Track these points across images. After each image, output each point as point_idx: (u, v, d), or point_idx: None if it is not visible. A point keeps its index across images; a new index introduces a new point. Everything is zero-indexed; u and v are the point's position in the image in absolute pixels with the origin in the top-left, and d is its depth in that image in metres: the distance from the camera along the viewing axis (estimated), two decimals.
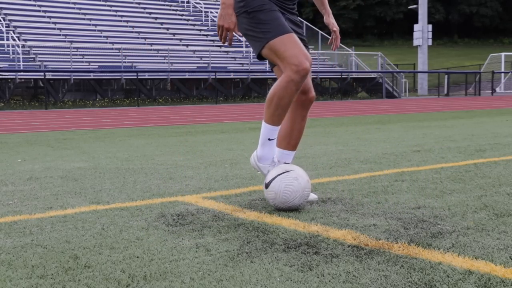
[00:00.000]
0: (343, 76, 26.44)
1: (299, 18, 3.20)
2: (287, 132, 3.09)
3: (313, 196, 3.07)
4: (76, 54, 22.13)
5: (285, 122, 3.07)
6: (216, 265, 2.00)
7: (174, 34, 27.17)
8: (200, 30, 28.29)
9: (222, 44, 28.77)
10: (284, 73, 2.82)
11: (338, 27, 3.31)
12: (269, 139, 2.96)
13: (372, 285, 1.78)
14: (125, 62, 22.49)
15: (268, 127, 2.93)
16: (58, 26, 24.66)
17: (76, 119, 12.40)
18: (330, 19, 3.33)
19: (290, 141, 3.10)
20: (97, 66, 21.73)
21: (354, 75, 27.48)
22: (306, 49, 2.99)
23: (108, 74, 21.71)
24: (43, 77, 19.79)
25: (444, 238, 2.29)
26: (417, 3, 32.40)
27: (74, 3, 26.93)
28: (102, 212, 2.87)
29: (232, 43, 3.14)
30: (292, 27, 2.98)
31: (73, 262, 2.05)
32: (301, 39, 3.00)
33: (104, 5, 27.93)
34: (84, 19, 26.04)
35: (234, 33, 2.89)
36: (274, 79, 27.00)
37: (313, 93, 3.09)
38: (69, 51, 21.32)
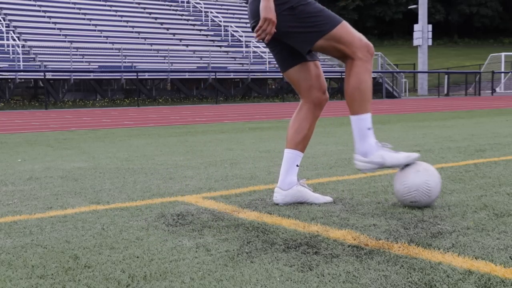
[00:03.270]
0: (343, 76, 26.44)
1: None
2: (306, 134, 3.04)
3: (327, 199, 3.03)
4: (76, 54, 22.14)
5: (304, 124, 3.03)
6: (216, 265, 2.00)
7: (174, 34, 27.17)
8: (200, 30, 28.29)
9: (222, 44, 28.80)
10: (354, 57, 2.80)
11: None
12: (368, 129, 2.85)
13: (372, 285, 1.78)
14: (125, 62, 22.49)
15: (363, 117, 2.83)
16: (58, 26, 24.67)
17: (76, 119, 12.40)
18: None
19: (304, 142, 3.05)
20: (97, 66, 21.74)
21: None
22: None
23: (108, 74, 21.72)
24: (43, 77, 19.80)
25: (444, 238, 2.29)
26: (417, 3, 32.40)
27: (74, 3, 26.94)
28: (102, 212, 2.87)
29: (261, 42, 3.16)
30: None
31: (73, 262, 2.05)
32: None
33: (104, 5, 27.93)
34: (84, 19, 26.04)
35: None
36: (274, 79, 27.06)
37: (327, 94, 3.12)
38: (69, 51, 21.33)
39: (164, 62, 23.51)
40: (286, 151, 3.04)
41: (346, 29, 2.82)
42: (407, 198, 2.82)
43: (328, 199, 3.03)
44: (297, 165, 3.03)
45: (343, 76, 26.39)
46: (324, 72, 20.23)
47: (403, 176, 2.85)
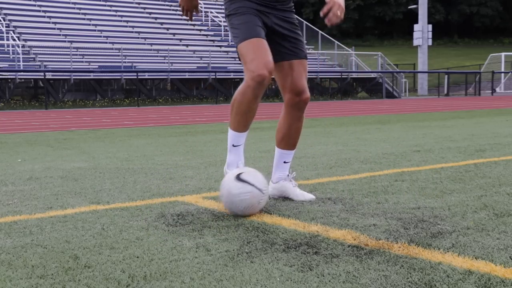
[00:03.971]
0: (343, 76, 26.45)
1: (296, 16, 3.18)
2: (284, 133, 3.10)
3: (308, 197, 3.08)
4: (76, 54, 22.13)
5: (282, 124, 3.10)
6: (216, 265, 2.00)
7: (174, 34, 27.17)
8: (200, 30, 28.30)
9: (222, 44, 28.79)
10: (244, 78, 2.85)
11: (336, 2, 2.88)
12: (233, 145, 2.97)
13: (372, 285, 1.78)
14: (125, 62, 22.49)
15: (231, 133, 2.96)
16: (58, 26, 24.66)
17: (76, 119, 12.40)
18: None
19: (289, 141, 3.11)
20: (97, 66, 21.74)
21: (354, 75, 27.49)
22: (300, 47, 3.01)
23: (108, 74, 21.71)
24: (43, 77, 19.79)
25: (444, 238, 2.29)
26: (417, 3, 32.40)
27: (74, 3, 26.93)
28: (102, 212, 2.87)
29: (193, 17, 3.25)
30: (281, 24, 2.96)
31: (73, 262, 2.05)
32: (294, 37, 3.00)
33: (104, 5, 27.93)
34: (84, 19, 26.04)
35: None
36: (274, 79, 27.02)
37: (307, 94, 3.04)
38: (69, 51, 21.32)
39: (164, 62, 23.50)
40: (275, 149, 3.17)
41: (248, 47, 2.82)
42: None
43: (309, 196, 3.08)
44: (284, 162, 3.12)
45: (343, 76, 26.40)
46: (324, 72, 20.03)
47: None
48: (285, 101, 3.09)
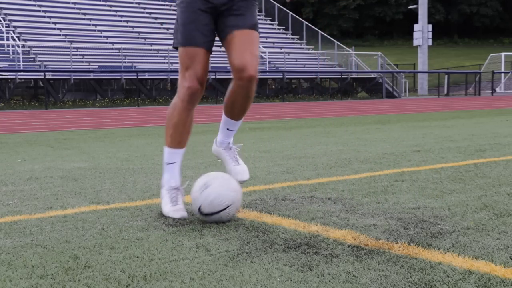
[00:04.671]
0: (343, 76, 26.44)
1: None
2: (228, 104, 2.91)
3: (242, 176, 2.98)
4: (76, 54, 22.13)
5: (229, 95, 2.87)
6: (216, 265, 2.00)
7: None
8: None
9: (222, 44, 28.75)
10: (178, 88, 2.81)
11: None
12: (167, 163, 2.86)
13: (372, 285, 1.78)
14: (125, 62, 22.49)
15: (166, 150, 2.87)
16: (58, 26, 24.66)
17: (76, 119, 12.40)
18: None
19: (232, 112, 2.93)
20: (97, 66, 21.74)
21: (354, 75, 27.48)
22: (244, 18, 2.73)
23: (108, 74, 21.71)
24: (43, 77, 19.79)
25: (444, 238, 2.29)
26: (417, 3, 32.40)
27: (74, 3, 26.93)
28: (102, 212, 2.87)
29: None
30: (229, 2, 2.73)
31: (73, 262, 2.05)
32: (239, 11, 2.73)
33: (104, 5, 27.93)
34: (84, 19, 26.04)
35: None
36: (274, 79, 27.06)
37: (249, 71, 2.68)
38: (69, 51, 21.32)
39: (164, 62, 23.50)
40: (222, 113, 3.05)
41: (183, 57, 2.75)
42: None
43: (242, 177, 2.95)
44: (228, 129, 3.02)
45: (343, 76, 26.40)
46: (324, 72, 20.09)
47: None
48: (233, 79, 2.81)
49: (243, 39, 2.73)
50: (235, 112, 2.93)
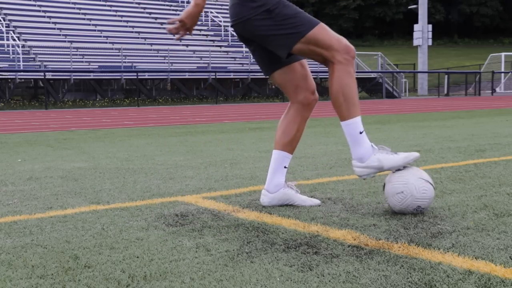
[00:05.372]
0: None
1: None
2: (292, 135, 2.96)
3: (315, 201, 2.96)
4: (76, 54, 22.14)
5: (291, 126, 2.96)
6: (216, 265, 2.00)
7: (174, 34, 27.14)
8: (200, 30, 28.29)
9: (222, 44, 28.79)
10: (334, 61, 2.70)
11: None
12: (360, 133, 2.73)
13: (372, 285, 1.78)
14: (125, 62, 22.49)
15: (351, 122, 2.72)
16: (58, 26, 24.67)
17: (76, 119, 12.40)
18: None
19: (293, 144, 2.97)
20: (97, 66, 21.75)
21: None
22: None
23: (108, 74, 21.72)
24: (43, 77, 19.80)
25: (444, 238, 2.29)
26: (417, 3, 32.41)
27: (74, 3, 26.94)
28: (102, 212, 2.87)
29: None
30: None
31: (73, 262, 2.05)
32: None
33: (104, 5, 27.93)
34: (84, 19, 26.04)
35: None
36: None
37: (317, 94, 3.02)
38: (69, 51, 21.33)
39: (164, 62, 23.51)
40: (274, 152, 2.98)
41: (324, 31, 2.72)
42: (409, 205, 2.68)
43: (316, 201, 2.95)
44: (285, 167, 2.96)
45: None
46: (324, 72, 20.05)
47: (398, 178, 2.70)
48: (299, 101, 2.94)
49: (307, 68, 2.99)
50: (296, 141, 3.00)
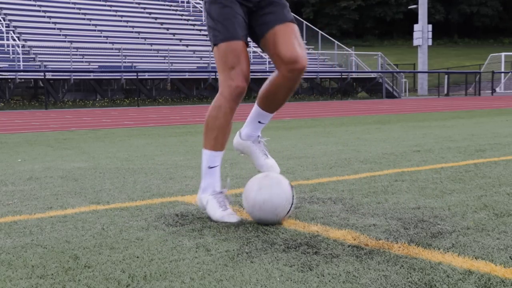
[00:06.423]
0: (343, 76, 26.44)
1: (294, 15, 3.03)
2: (270, 95, 2.79)
3: (274, 167, 2.89)
4: (76, 54, 22.13)
5: (271, 85, 2.77)
6: (216, 265, 2.00)
7: (174, 34, 27.17)
8: (200, 30, 28.29)
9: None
10: (219, 90, 2.69)
11: None
12: (209, 167, 2.72)
13: (372, 285, 1.78)
14: (125, 62, 22.49)
15: (207, 153, 2.72)
16: (58, 26, 24.66)
17: (76, 119, 12.40)
18: None
19: (271, 104, 2.83)
20: (97, 66, 21.74)
21: (354, 75, 27.48)
22: (282, 10, 2.69)
23: (108, 74, 21.71)
24: (43, 77, 19.79)
25: (444, 238, 2.29)
26: (417, 3, 32.40)
27: (74, 3, 26.93)
28: (102, 212, 2.87)
29: None
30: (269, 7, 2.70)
31: (73, 262, 2.05)
32: (275, 1, 2.72)
33: (104, 5, 27.93)
34: (84, 19, 26.04)
35: None
36: None
37: (302, 62, 2.64)
38: (69, 51, 21.32)
39: (164, 62, 23.50)
40: (254, 105, 2.92)
41: (227, 53, 2.61)
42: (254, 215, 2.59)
43: (275, 168, 2.86)
44: (259, 122, 2.90)
45: (343, 76, 26.39)
46: (324, 72, 20.07)
47: (247, 192, 2.62)
48: (279, 72, 2.71)
49: (288, 31, 2.69)
50: (274, 104, 2.83)
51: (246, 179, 3.80)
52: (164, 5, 30.08)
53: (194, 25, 28.87)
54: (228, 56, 2.63)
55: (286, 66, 2.64)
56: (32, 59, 21.43)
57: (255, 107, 2.90)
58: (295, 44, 2.66)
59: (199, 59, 24.87)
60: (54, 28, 24.50)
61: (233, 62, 2.62)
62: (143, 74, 22.33)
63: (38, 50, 21.89)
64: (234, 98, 2.65)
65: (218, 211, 2.65)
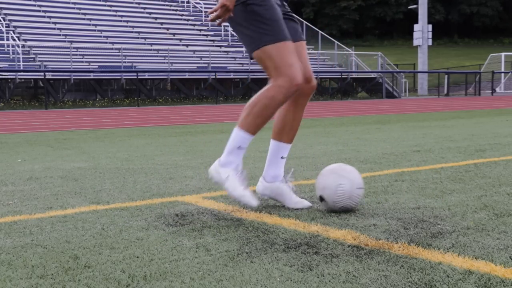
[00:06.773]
0: (343, 76, 26.44)
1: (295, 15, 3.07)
2: (287, 124, 2.86)
3: (305, 204, 2.88)
4: (76, 54, 22.13)
5: (285, 114, 2.86)
6: (216, 265, 2.00)
7: (174, 34, 27.17)
8: (200, 30, 28.29)
9: (222, 44, 28.79)
10: (274, 82, 2.64)
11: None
12: (238, 148, 2.73)
13: (372, 285, 1.78)
14: (125, 62, 22.49)
15: (242, 135, 2.72)
16: (58, 26, 24.66)
17: (76, 119, 12.40)
18: None
19: (289, 133, 2.88)
20: (97, 66, 21.74)
21: (354, 75, 27.49)
22: (298, 26, 2.83)
23: (108, 74, 21.72)
24: (43, 77, 19.80)
25: (444, 238, 2.29)
26: (417, 3, 32.40)
27: (74, 3, 26.93)
28: (102, 212, 2.87)
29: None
30: (285, 22, 2.77)
31: (73, 262, 2.05)
32: (292, 16, 2.84)
33: (104, 5, 27.93)
34: (84, 19, 26.04)
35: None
36: None
37: (314, 81, 2.87)
38: (69, 51, 21.32)
39: (164, 62, 23.50)
40: (271, 142, 2.93)
41: (282, 50, 2.61)
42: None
43: (306, 204, 2.87)
44: (282, 157, 2.90)
45: (343, 76, 26.39)
46: (324, 72, 20.05)
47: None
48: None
49: (305, 51, 2.86)
50: (293, 130, 2.89)
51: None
52: (164, 5, 30.08)
53: (194, 25, 28.87)
54: (285, 53, 2.63)
55: (306, 84, 2.80)
56: (32, 59, 21.43)
57: (273, 144, 2.91)
58: (309, 65, 2.85)
59: (199, 59, 24.87)
60: (54, 28, 24.50)
61: (292, 60, 2.65)
62: (143, 74, 22.34)
63: (38, 50, 21.90)
64: (291, 92, 2.65)
65: (239, 188, 2.67)
